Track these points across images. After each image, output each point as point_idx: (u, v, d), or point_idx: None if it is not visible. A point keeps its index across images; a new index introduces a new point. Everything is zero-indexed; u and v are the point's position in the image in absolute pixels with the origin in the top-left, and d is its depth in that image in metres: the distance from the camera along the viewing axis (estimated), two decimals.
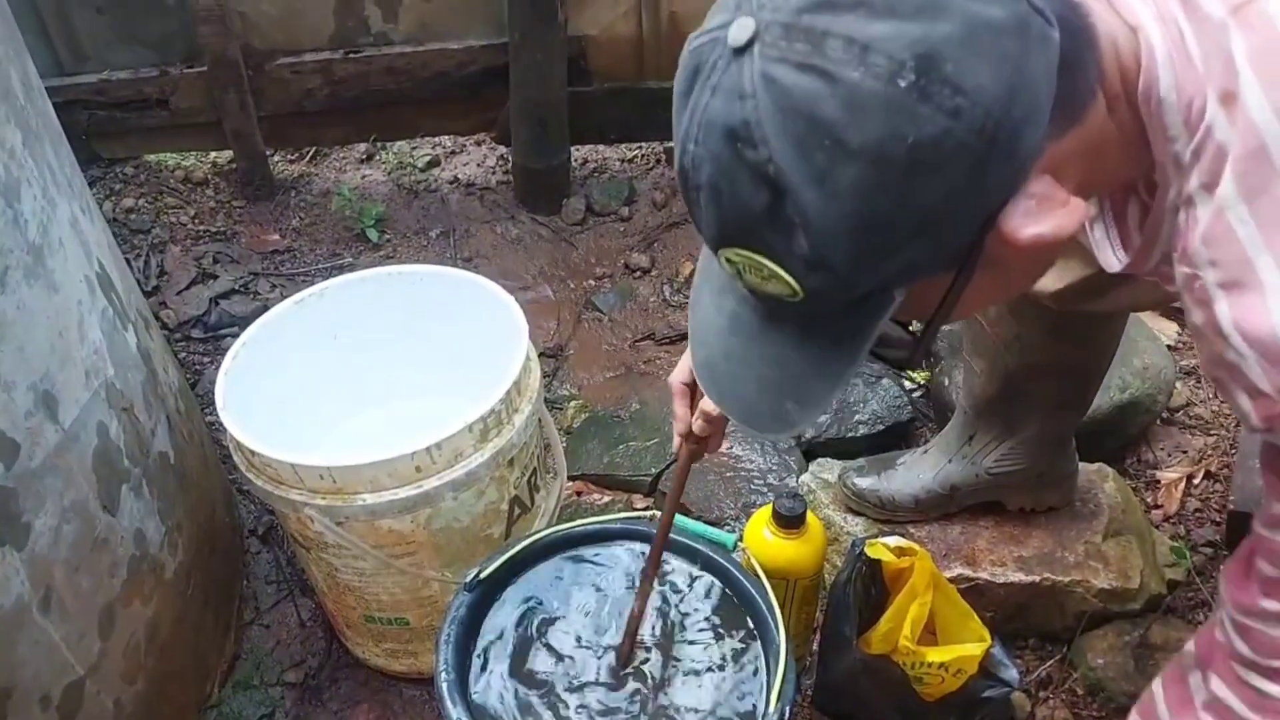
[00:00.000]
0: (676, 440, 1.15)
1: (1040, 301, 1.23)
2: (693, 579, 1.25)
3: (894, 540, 1.34)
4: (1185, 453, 1.86)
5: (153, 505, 1.35)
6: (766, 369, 0.72)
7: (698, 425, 1.11)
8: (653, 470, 1.81)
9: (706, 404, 1.09)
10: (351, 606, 1.48)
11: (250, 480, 1.34)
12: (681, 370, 1.12)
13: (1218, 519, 1.73)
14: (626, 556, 1.27)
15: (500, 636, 1.20)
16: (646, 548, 1.26)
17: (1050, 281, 1.23)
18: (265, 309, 1.50)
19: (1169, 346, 1.96)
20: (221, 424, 1.32)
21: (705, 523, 1.28)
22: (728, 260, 0.67)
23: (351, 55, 2.27)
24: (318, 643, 1.65)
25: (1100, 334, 1.35)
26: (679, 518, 1.27)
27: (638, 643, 1.18)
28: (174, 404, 1.51)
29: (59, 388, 1.14)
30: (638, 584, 1.19)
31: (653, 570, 1.17)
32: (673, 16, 2.28)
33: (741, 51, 0.60)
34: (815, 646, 1.53)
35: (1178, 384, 1.90)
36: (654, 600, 1.23)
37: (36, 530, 1.12)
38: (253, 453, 1.30)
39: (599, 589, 1.24)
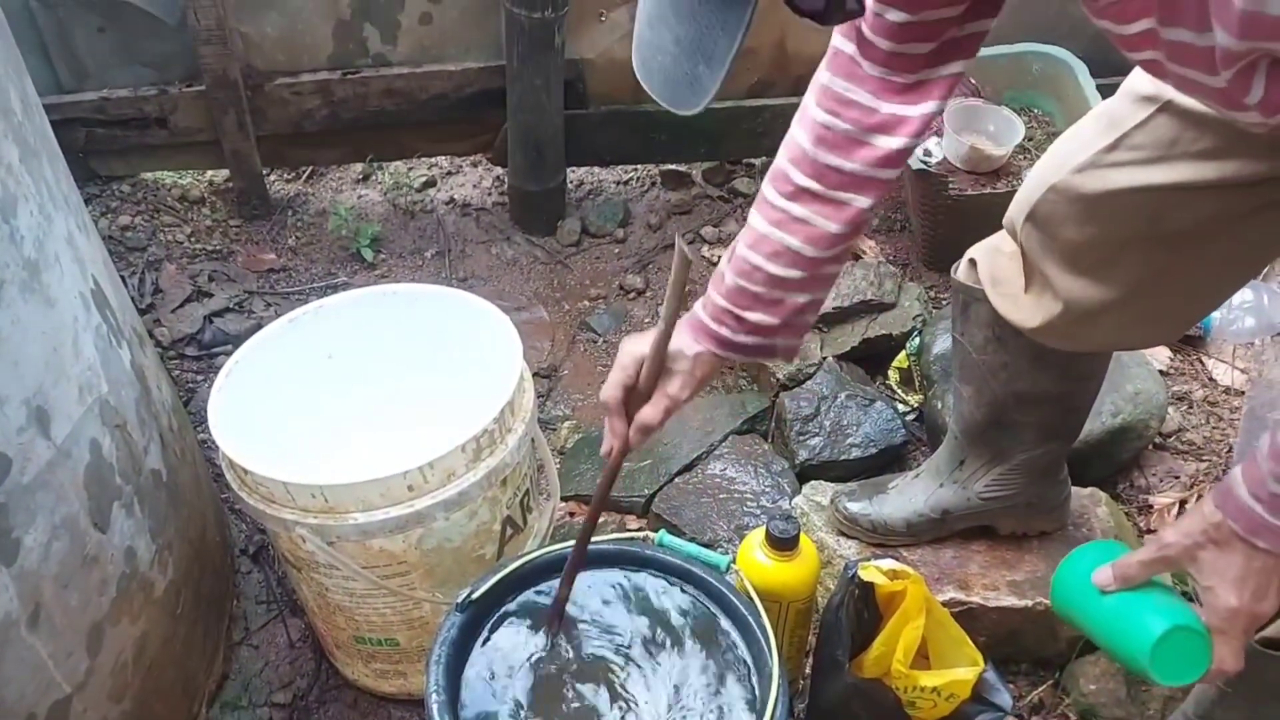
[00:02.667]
0: (607, 447, 1.18)
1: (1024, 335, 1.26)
2: (685, 603, 1.25)
3: (887, 563, 1.34)
4: (1177, 478, 1.86)
5: (144, 523, 1.35)
6: (680, 25, 0.75)
7: (634, 438, 1.15)
8: (646, 492, 1.81)
9: (643, 416, 1.14)
10: (341, 627, 1.47)
11: (242, 499, 1.34)
12: (612, 384, 1.16)
13: None
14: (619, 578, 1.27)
15: (488, 665, 1.19)
16: (640, 571, 1.27)
17: (1029, 317, 1.25)
18: (260, 327, 1.50)
19: (1161, 372, 1.97)
20: (214, 442, 1.32)
21: (698, 544, 1.28)
22: None
23: (350, 76, 2.28)
24: (307, 663, 1.64)
25: (1086, 365, 1.36)
26: (675, 540, 1.27)
27: (629, 660, 1.19)
28: (167, 422, 1.51)
29: (52, 403, 1.14)
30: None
31: (573, 569, 1.20)
32: None
33: None
34: (808, 670, 1.53)
35: (1169, 409, 1.91)
36: (644, 622, 1.23)
37: (26, 546, 1.11)
38: (245, 471, 1.30)
39: (589, 614, 1.24)
